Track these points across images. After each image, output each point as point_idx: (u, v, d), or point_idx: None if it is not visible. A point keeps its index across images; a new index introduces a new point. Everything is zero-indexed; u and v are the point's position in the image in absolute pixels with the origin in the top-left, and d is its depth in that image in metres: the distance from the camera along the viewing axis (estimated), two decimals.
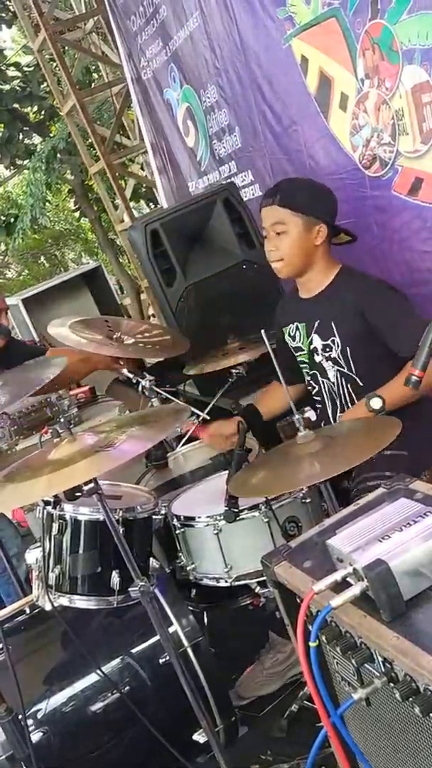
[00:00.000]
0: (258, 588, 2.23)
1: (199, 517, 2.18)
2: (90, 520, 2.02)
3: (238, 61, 3.48)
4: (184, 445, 2.84)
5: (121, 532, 1.85)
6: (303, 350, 2.47)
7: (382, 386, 2.18)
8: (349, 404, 2.37)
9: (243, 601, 2.38)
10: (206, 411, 2.81)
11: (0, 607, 2.86)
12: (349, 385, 2.36)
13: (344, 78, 2.73)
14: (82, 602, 2.03)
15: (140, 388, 2.80)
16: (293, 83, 3.06)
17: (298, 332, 2.48)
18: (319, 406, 2.48)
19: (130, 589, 1.83)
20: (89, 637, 2.24)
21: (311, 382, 2.50)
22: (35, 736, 2.01)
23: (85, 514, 2.02)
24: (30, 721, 2.02)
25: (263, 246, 2.47)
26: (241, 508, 2.10)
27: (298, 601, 1.42)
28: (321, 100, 2.91)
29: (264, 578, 1.87)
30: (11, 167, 12.65)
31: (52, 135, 11.19)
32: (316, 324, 2.40)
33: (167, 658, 2.01)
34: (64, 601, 2.04)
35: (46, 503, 2.07)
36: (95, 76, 10.48)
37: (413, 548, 1.24)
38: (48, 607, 2.06)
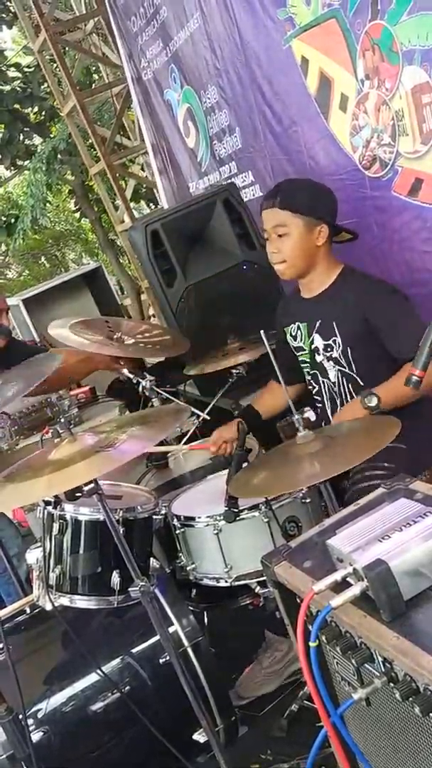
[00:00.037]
0: (258, 588, 2.23)
1: (199, 517, 2.19)
2: (90, 520, 2.02)
3: (238, 61, 3.48)
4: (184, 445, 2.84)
5: (121, 532, 1.85)
6: (304, 350, 2.47)
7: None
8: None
9: (243, 601, 2.38)
10: (206, 411, 2.81)
11: (0, 606, 2.86)
12: (349, 385, 2.36)
13: (344, 79, 2.74)
14: (82, 602, 2.03)
15: (140, 389, 2.80)
16: (293, 84, 3.06)
17: (299, 332, 2.48)
18: (320, 405, 2.48)
19: (130, 589, 1.83)
20: (89, 636, 2.24)
21: (312, 381, 2.50)
22: (35, 736, 2.02)
23: (86, 514, 2.02)
24: (30, 721, 2.02)
25: (263, 247, 2.47)
26: (241, 508, 2.10)
27: (298, 601, 1.42)
28: (321, 101, 2.91)
29: (264, 578, 1.87)
30: (12, 168, 12.64)
31: (52, 136, 11.19)
32: (317, 324, 2.40)
33: (167, 657, 2.01)
34: (64, 600, 2.04)
35: (47, 503, 2.07)
36: (95, 76, 10.49)
37: (413, 548, 1.24)
38: (48, 606, 2.06)
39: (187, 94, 4.24)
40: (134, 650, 2.19)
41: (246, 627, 2.69)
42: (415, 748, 1.25)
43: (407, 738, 1.26)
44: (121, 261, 11.97)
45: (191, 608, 2.22)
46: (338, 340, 2.33)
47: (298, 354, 2.52)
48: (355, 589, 1.23)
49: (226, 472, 2.30)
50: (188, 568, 2.25)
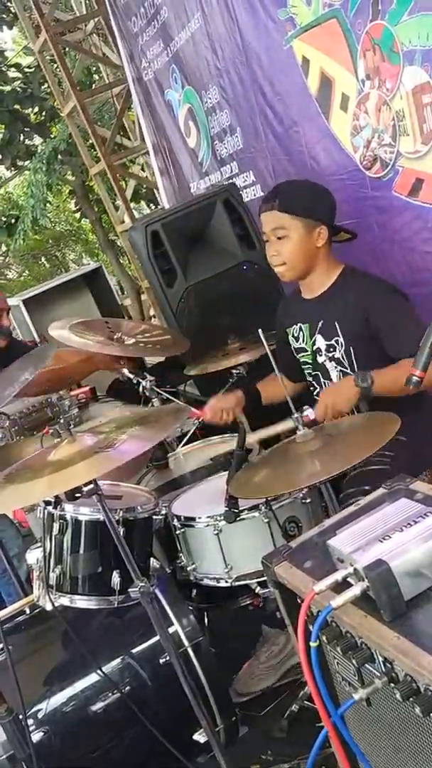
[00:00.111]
0: (258, 588, 2.23)
1: (200, 518, 2.19)
2: (90, 520, 2.02)
3: (239, 62, 3.49)
4: (184, 445, 2.84)
5: (121, 532, 1.85)
6: (306, 351, 2.47)
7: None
8: None
9: (243, 601, 2.38)
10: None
11: (1, 607, 2.86)
12: None
13: (345, 79, 2.74)
14: (82, 602, 2.03)
15: (141, 389, 2.80)
16: (294, 84, 3.06)
17: (301, 333, 2.48)
18: None
19: (130, 589, 1.83)
20: (90, 637, 2.24)
21: (313, 382, 2.50)
22: (36, 736, 2.02)
23: (86, 515, 2.02)
24: (30, 721, 2.02)
25: (264, 247, 2.47)
26: (241, 508, 2.10)
27: (299, 601, 1.42)
28: (322, 101, 2.92)
29: (264, 578, 1.88)
30: (12, 168, 12.65)
31: (52, 136, 11.19)
32: (319, 324, 2.40)
33: (167, 658, 2.01)
34: (64, 601, 2.04)
35: (47, 503, 2.07)
36: (96, 77, 10.48)
37: (414, 549, 1.24)
38: (49, 607, 2.06)
39: (188, 95, 4.24)
40: (134, 650, 2.19)
41: (246, 627, 2.69)
42: (415, 748, 1.25)
43: (408, 738, 1.26)
44: (122, 261, 11.97)
45: (191, 608, 2.22)
46: (341, 340, 2.33)
47: (299, 355, 2.52)
48: (356, 590, 1.23)
49: (226, 472, 2.29)
50: (188, 569, 2.24)
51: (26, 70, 11.50)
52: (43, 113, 11.48)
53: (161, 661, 2.12)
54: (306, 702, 2.32)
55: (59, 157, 10.59)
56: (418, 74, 2.36)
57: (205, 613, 2.43)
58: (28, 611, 2.30)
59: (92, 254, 17.94)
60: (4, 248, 16.38)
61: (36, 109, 11.43)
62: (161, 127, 4.87)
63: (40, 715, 2.07)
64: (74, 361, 3.01)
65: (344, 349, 2.33)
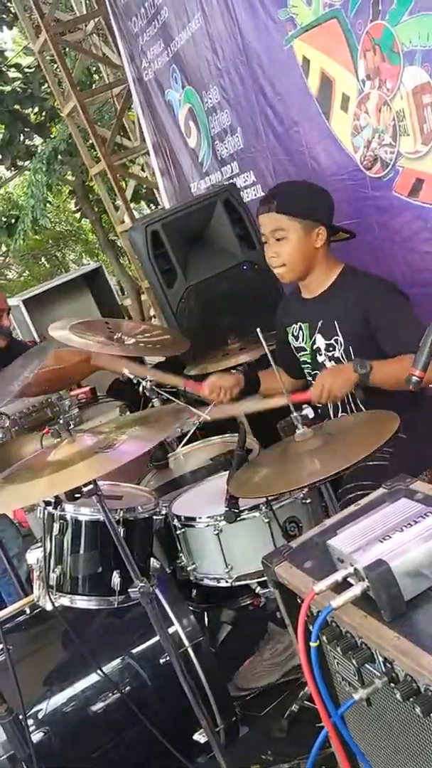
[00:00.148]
0: (258, 588, 2.23)
1: (200, 518, 2.19)
2: (91, 520, 2.02)
3: (239, 62, 3.49)
4: (184, 445, 2.84)
5: (121, 532, 1.85)
6: (306, 350, 2.48)
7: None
8: (351, 404, 2.37)
9: (243, 601, 2.38)
10: (207, 411, 2.81)
11: (1, 607, 2.86)
12: None
13: (345, 79, 2.74)
14: (82, 602, 2.03)
15: (141, 389, 2.80)
16: (295, 84, 3.06)
17: (301, 332, 2.48)
18: (320, 405, 2.48)
19: (130, 589, 1.83)
20: (90, 637, 2.23)
21: (312, 381, 2.50)
22: (36, 736, 2.02)
23: (86, 515, 2.02)
24: (31, 721, 2.02)
25: (263, 248, 2.47)
26: (241, 508, 2.10)
27: (299, 601, 1.42)
28: (322, 101, 2.92)
29: (264, 578, 1.87)
30: (12, 168, 12.65)
31: (52, 136, 11.19)
32: (319, 324, 2.40)
33: (168, 658, 2.01)
34: (64, 601, 2.04)
35: (47, 503, 2.07)
36: (96, 77, 10.48)
37: (414, 549, 1.24)
38: (49, 607, 2.06)
39: (189, 95, 4.24)
40: (134, 650, 2.19)
41: (246, 627, 2.69)
42: (415, 748, 1.25)
43: (408, 738, 1.26)
44: (122, 261, 11.97)
45: (191, 608, 2.22)
46: (340, 339, 2.33)
47: (299, 354, 2.52)
48: (356, 590, 1.23)
49: (226, 472, 2.29)
50: (189, 569, 2.24)
51: (26, 70, 11.50)
52: (43, 113, 11.49)
53: (161, 661, 2.12)
54: (306, 702, 2.32)
55: (59, 157, 10.60)
56: (418, 74, 2.36)
57: (205, 613, 2.43)
58: (28, 611, 2.30)
59: (92, 254, 17.94)
60: (4, 248, 16.38)
61: (36, 109, 11.43)
62: (161, 127, 4.87)
63: (40, 716, 2.07)
64: (74, 361, 3.01)
65: (344, 349, 2.33)
